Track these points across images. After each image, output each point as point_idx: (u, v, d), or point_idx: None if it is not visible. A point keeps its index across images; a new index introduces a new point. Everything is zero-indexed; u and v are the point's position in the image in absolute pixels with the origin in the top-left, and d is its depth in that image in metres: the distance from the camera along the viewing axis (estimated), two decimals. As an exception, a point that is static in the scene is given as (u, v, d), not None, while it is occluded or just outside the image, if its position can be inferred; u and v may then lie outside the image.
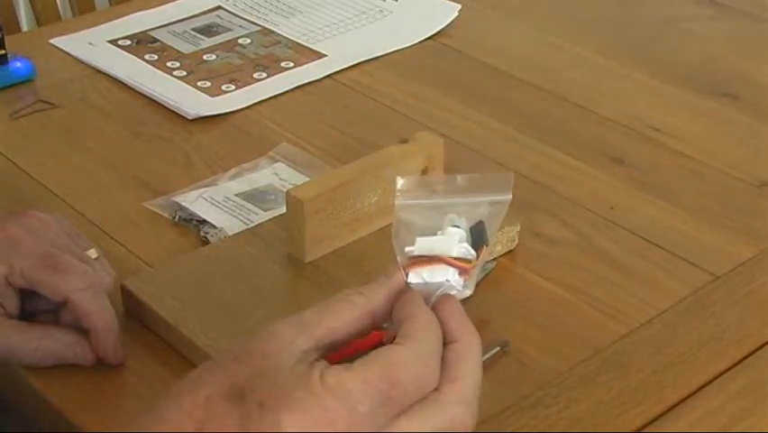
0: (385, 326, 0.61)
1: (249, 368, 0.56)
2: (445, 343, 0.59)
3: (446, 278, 0.61)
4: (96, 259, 0.78)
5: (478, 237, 0.63)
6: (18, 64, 1.12)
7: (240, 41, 1.21)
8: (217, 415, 0.55)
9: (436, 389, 0.57)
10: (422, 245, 0.61)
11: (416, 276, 0.61)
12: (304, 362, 0.56)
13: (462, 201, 0.64)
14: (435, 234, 0.62)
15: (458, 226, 0.63)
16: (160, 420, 0.56)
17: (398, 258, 0.62)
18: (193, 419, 0.55)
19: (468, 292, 0.62)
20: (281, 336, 0.58)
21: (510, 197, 0.64)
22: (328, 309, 0.60)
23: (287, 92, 1.11)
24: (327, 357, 0.62)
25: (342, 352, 0.61)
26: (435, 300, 0.61)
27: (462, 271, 0.61)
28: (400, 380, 0.56)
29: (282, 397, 0.55)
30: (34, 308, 0.77)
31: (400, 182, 0.65)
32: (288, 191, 0.82)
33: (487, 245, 0.63)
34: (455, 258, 0.61)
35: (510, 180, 0.64)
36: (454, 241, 0.62)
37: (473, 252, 0.62)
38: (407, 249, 0.62)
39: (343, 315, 0.59)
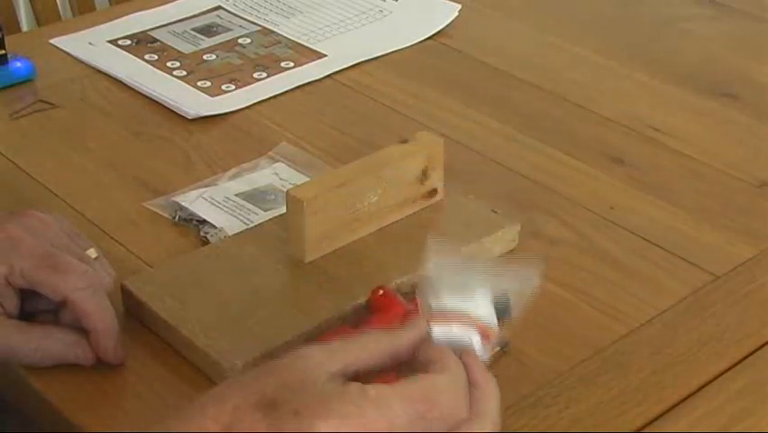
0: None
1: (278, 380, 0.57)
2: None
3: (469, 338, 0.63)
4: (95, 259, 0.78)
5: (502, 309, 0.65)
6: (18, 64, 1.12)
7: (240, 41, 1.21)
8: (246, 421, 0.55)
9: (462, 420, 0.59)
10: (449, 303, 0.64)
11: (441, 331, 0.63)
12: (334, 381, 0.57)
13: (492, 271, 0.66)
14: (463, 294, 0.64)
15: (484, 294, 0.65)
16: (184, 422, 0.56)
17: (424, 310, 0.64)
18: (219, 423, 0.55)
19: (484, 358, 0.64)
20: (310, 357, 0.58)
21: (538, 281, 0.66)
22: (354, 341, 0.61)
23: (287, 92, 1.11)
24: None
25: None
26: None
27: (484, 336, 0.64)
28: (438, 403, 0.57)
29: (319, 405, 0.55)
30: (34, 308, 0.76)
31: (432, 243, 0.68)
32: (287, 191, 0.82)
33: (509, 318, 0.65)
34: (480, 322, 0.64)
35: (542, 265, 0.68)
36: (480, 306, 0.64)
37: (496, 321, 0.64)
38: (434, 303, 0.64)
39: (370, 346, 0.61)
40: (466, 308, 0.64)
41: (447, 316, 0.63)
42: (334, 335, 0.74)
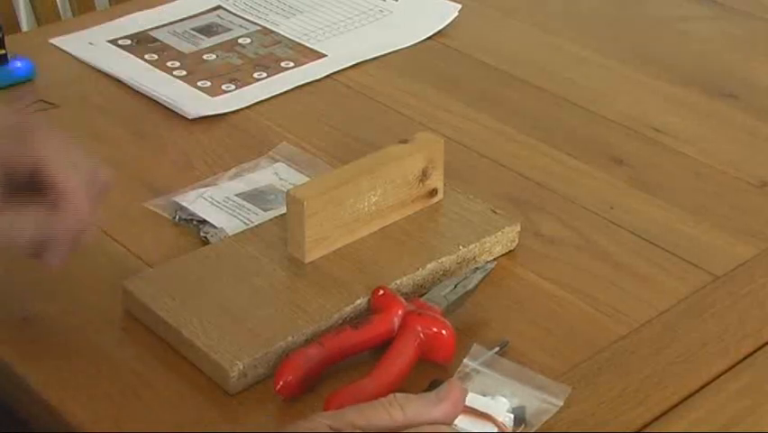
0: None
1: None
2: None
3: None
4: None
5: (517, 420, 0.69)
6: (18, 64, 1.12)
7: (240, 40, 1.21)
8: None
9: None
10: (473, 400, 0.68)
11: (465, 422, 0.67)
12: None
13: (516, 384, 0.71)
14: (485, 395, 0.69)
15: (503, 402, 0.70)
16: None
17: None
18: None
19: None
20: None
21: (561, 404, 0.70)
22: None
23: (287, 92, 1.11)
24: (327, 401, 0.69)
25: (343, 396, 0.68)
26: None
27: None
28: None
29: None
30: None
31: (475, 348, 0.74)
32: (288, 191, 0.82)
33: (525, 426, 0.69)
34: (499, 421, 0.68)
35: (567, 392, 0.70)
36: (501, 409, 0.69)
37: (512, 425, 0.69)
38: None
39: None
40: (489, 408, 0.68)
41: (471, 411, 0.67)
42: (335, 336, 0.75)
